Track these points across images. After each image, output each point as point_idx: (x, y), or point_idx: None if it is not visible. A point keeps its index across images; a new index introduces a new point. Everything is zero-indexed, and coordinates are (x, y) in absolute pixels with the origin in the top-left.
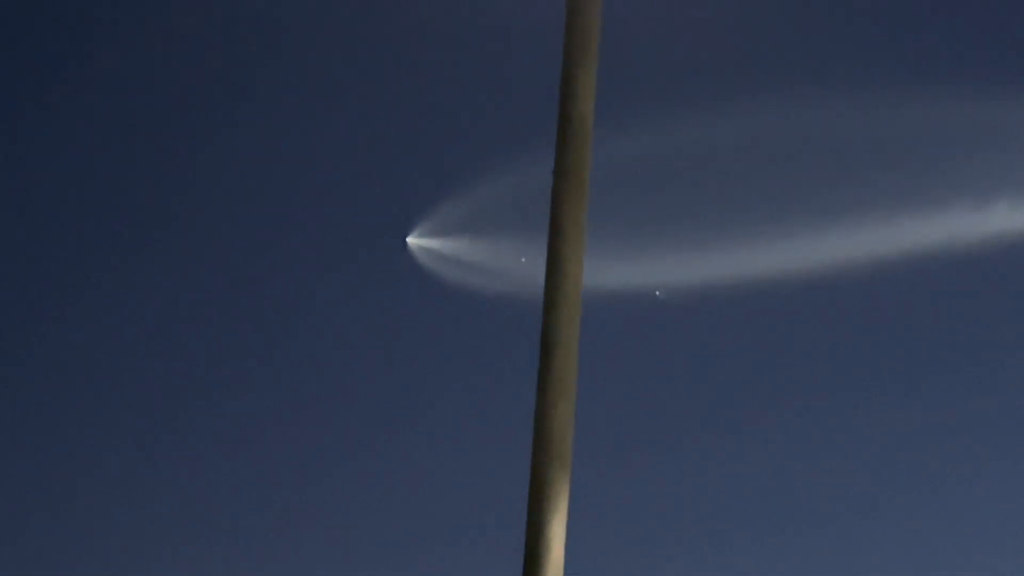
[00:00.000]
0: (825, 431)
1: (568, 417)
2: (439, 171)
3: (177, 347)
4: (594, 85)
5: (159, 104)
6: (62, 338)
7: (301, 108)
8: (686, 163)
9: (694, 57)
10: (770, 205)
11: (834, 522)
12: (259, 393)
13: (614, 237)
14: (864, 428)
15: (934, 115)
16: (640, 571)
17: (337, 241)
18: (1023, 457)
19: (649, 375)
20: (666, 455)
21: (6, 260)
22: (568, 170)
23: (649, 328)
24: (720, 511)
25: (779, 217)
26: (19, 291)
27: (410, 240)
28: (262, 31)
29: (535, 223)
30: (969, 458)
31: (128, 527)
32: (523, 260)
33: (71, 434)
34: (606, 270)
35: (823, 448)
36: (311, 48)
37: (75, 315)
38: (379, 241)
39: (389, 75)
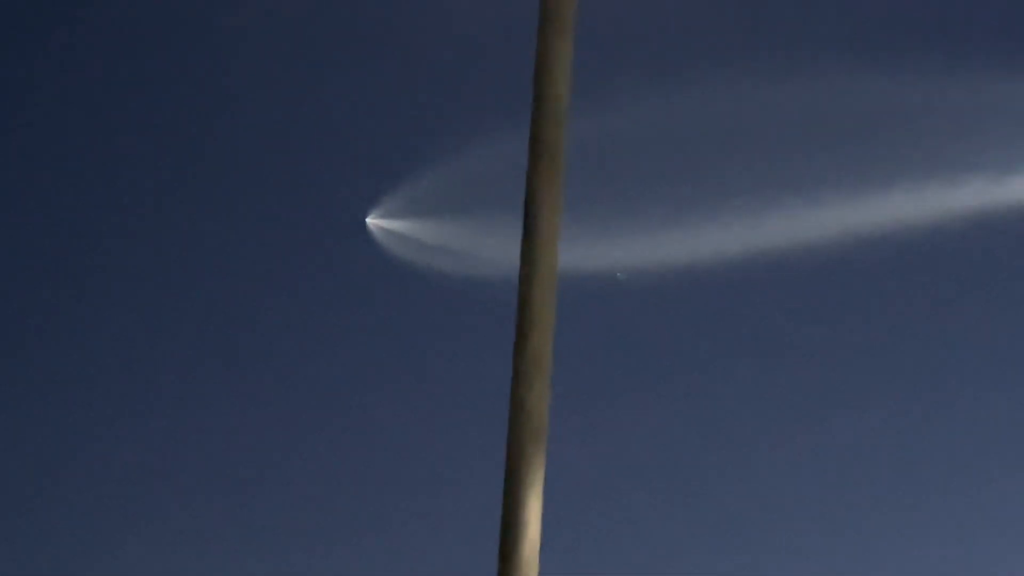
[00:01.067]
0: (802, 407)
1: (544, 396)
2: (399, 150)
3: (124, 335)
4: (570, 62)
5: (103, 88)
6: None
7: (257, 85)
8: (657, 139)
9: (665, 30)
10: (747, 180)
11: (810, 496)
12: (223, 380)
13: (582, 217)
14: (843, 406)
15: (906, 89)
16: (618, 548)
17: (294, 221)
18: None
19: (624, 354)
20: (643, 433)
21: None
22: (543, 149)
23: (621, 308)
24: (699, 489)
25: (756, 192)
26: None
27: (370, 221)
28: (215, 7)
29: (498, 204)
30: (972, 451)
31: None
32: (489, 242)
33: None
34: (575, 251)
35: (801, 428)
36: (267, 23)
37: (27, 308)
38: (338, 221)
39: (349, 52)
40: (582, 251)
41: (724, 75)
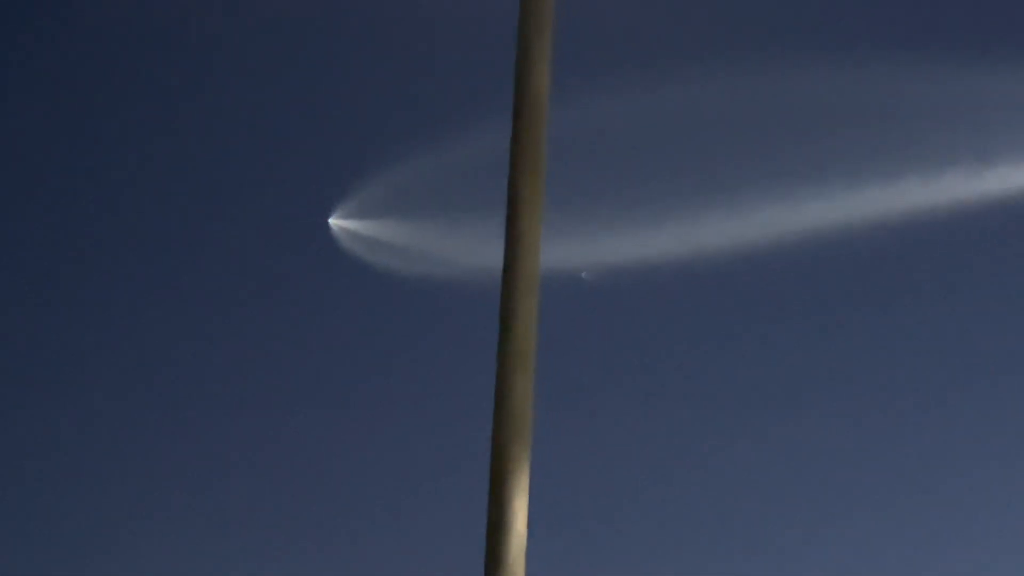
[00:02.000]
0: (791, 401)
1: (528, 392)
2: (361, 151)
3: (83, 338)
4: (550, 57)
5: (65, 86)
6: None
7: (217, 85)
8: (636, 134)
9: (648, 24)
10: (729, 173)
11: (800, 492)
12: (191, 383)
13: (567, 214)
14: (833, 399)
15: (886, 83)
16: (604, 545)
17: (258, 223)
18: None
19: (611, 351)
20: (630, 430)
21: None
22: (524, 144)
23: (607, 305)
24: (688, 485)
25: (737, 186)
26: None
27: (332, 221)
28: (175, 5)
29: (461, 204)
30: (962, 445)
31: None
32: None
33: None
34: (560, 248)
35: (791, 423)
36: (227, 22)
37: None
38: (302, 222)
39: (310, 53)
40: (566, 248)
41: (705, 71)
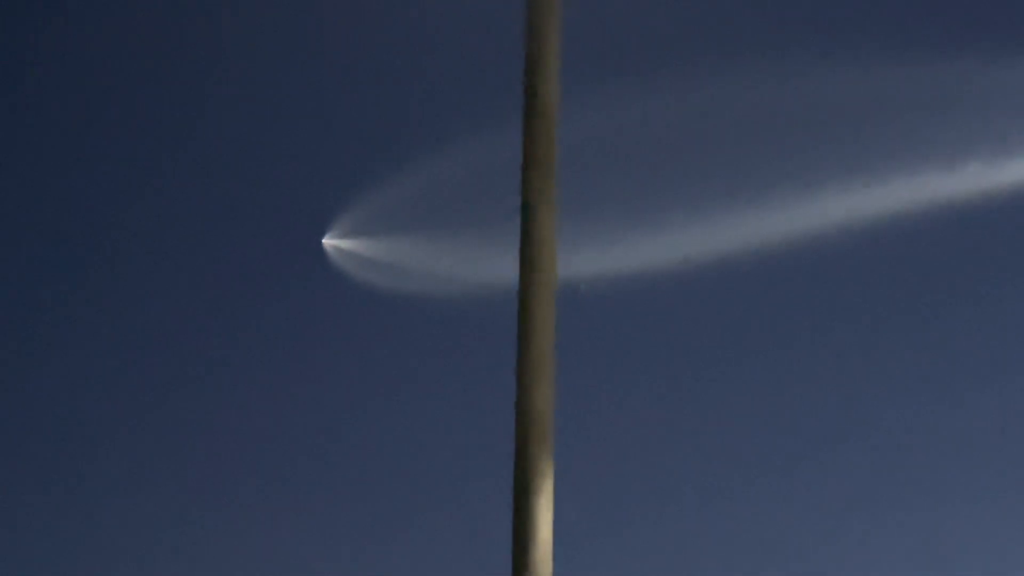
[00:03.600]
0: (813, 405)
1: (549, 399)
2: (350, 169)
3: (73, 359)
4: (559, 63)
5: (57, 97)
6: None
7: (205, 103)
8: (646, 139)
9: (653, 27)
10: (734, 177)
11: (824, 500)
12: (190, 407)
13: (577, 219)
14: (856, 402)
15: (900, 77)
16: (630, 551)
17: (249, 246)
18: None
19: (629, 357)
20: (654, 436)
21: None
22: (536, 151)
23: (624, 310)
24: (712, 489)
25: (759, 187)
26: None
27: (326, 242)
28: (166, 17)
29: (455, 219)
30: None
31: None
32: (446, 260)
33: None
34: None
35: (815, 428)
36: (216, 36)
37: None
38: (294, 244)
39: (300, 71)
40: (580, 255)
41: (719, 72)
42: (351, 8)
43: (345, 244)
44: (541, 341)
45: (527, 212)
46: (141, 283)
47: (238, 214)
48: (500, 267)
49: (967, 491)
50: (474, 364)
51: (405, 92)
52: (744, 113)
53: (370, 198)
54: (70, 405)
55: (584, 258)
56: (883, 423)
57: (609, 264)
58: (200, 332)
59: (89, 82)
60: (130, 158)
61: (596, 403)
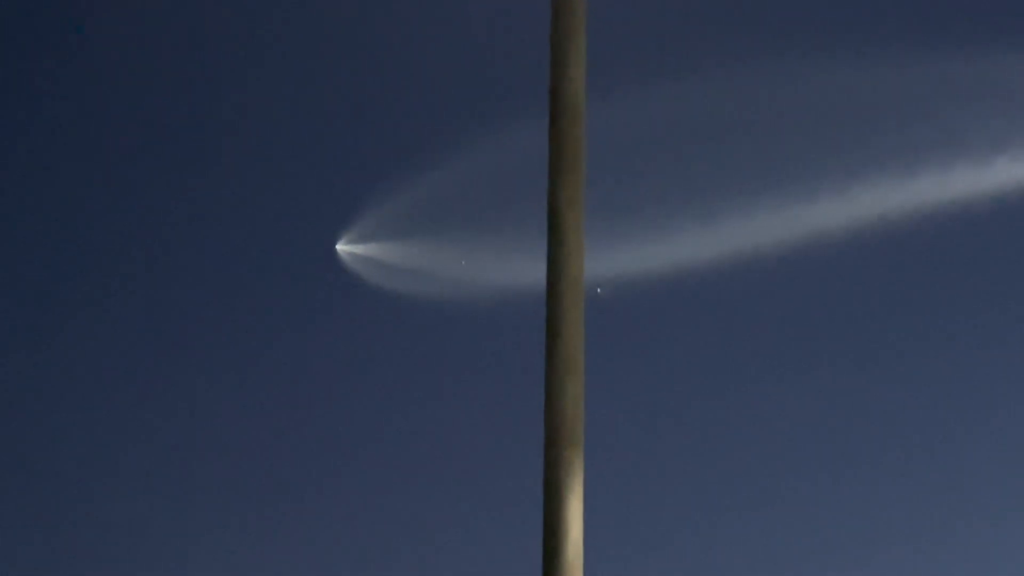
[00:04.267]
0: (841, 404)
1: (579, 397)
2: (365, 172)
3: (85, 367)
4: (584, 62)
5: (77, 101)
6: None
7: (221, 110)
8: (673, 137)
9: (656, 29)
10: (763, 175)
11: (851, 501)
12: (210, 414)
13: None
14: (887, 400)
15: (927, 73)
16: (660, 550)
17: (261, 256)
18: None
19: (659, 357)
20: (682, 433)
21: None
22: (563, 152)
23: (653, 309)
24: (741, 485)
25: (765, 188)
26: None
27: (340, 247)
28: (179, 20)
29: (468, 223)
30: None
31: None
32: (463, 262)
33: None
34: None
35: (841, 423)
36: (231, 39)
37: None
38: (307, 250)
39: (312, 77)
40: (606, 256)
41: (739, 70)
42: (370, 8)
43: (359, 249)
44: (570, 341)
45: (554, 213)
46: (153, 291)
47: (250, 220)
48: (516, 269)
49: (999, 496)
50: (496, 367)
51: (419, 94)
52: (773, 111)
53: (382, 203)
54: (84, 412)
55: (611, 258)
56: (915, 426)
57: (636, 264)
58: (213, 341)
59: (106, 88)
60: (144, 165)
61: (625, 403)
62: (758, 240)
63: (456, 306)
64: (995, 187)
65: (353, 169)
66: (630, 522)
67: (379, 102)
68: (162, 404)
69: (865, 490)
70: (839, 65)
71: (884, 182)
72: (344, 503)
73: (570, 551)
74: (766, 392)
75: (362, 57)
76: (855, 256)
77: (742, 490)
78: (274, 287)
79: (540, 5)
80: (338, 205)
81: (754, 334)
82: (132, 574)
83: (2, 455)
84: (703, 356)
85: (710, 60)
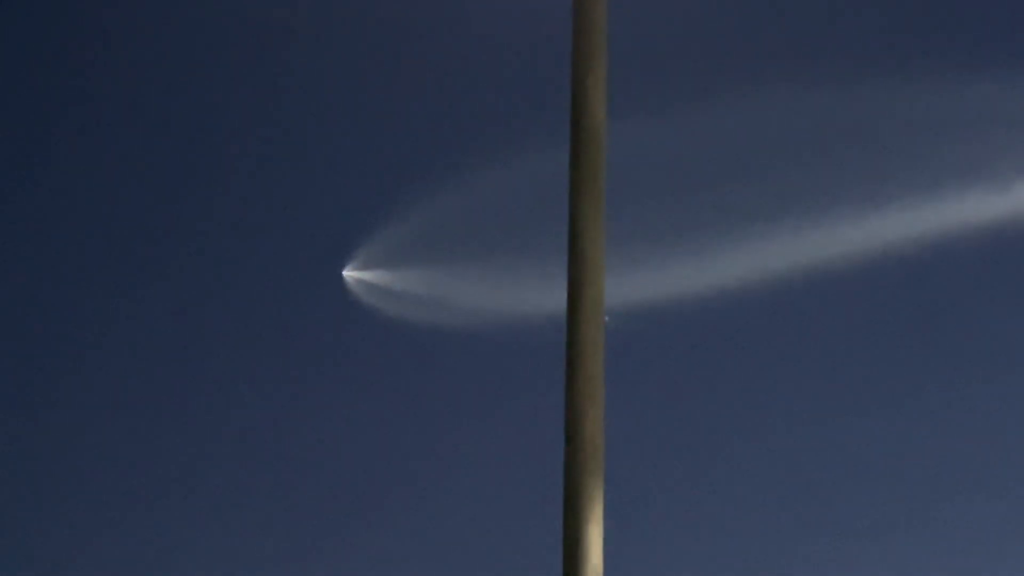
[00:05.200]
0: (860, 430)
1: (599, 420)
2: (373, 197)
3: (98, 389)
4: (605, 90)
5: (82, 121)
6: None
7: (228, 130)
8: (684, 163)
9: (689, 52)
10: (774, 200)
11: (869, 526)
12: (216, 444)
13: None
14: (903, 426)
15: (948, 98)
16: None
17: (268, 283)
18: None
19: (679, 382)
20: (703, 459)
21: None
22: (584, 176)
23: (672, 335)
24: (761, 516)
25: (787, 212)
26: None
27: (347, 273)
28: (186, 44)
29: (477, 249)
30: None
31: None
32: (470, 291)
33: None
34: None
35: (852, 450)
36: (239, 59)
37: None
38: (314, 276)
39: (318, 100)
40: (627, 279)
41: (749, 95)
42: (385, 30)
43: (366, 276)
44: (590, 365)
45: (575, 237)
46: (158, 318)
47: (255, 242)
48: (528, 296)
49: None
50: (513, 394)
51: (434, 118)
52: (794, 136)
53: (388, 229)
54: (82, 439)
55: (632, 282)
56: (937, 454)
57: (657, 288)
58: (217, 371)
59: (115, 116)
60: (149, 189)
61: (645, 428)
62: (780, 264)
63: (469, 334)
64: (1017, 212)
65: (361, 194)
66: (650, 549)
67: (392, 125)
68: (164, 434)
69: (894, 526)
70: (860, 90)
71: (905, 207)
72: (359, 533)
73: None
74: (790, 418)
75: (378, 79)
76: (876, 281)
77: (766, 517)
78: (280, 313)
79: (561, 28)
80: (345, 230)
81: (777, 359)
82: None
83: (1, 456)
84: (725, 380)
85: (731, 85)
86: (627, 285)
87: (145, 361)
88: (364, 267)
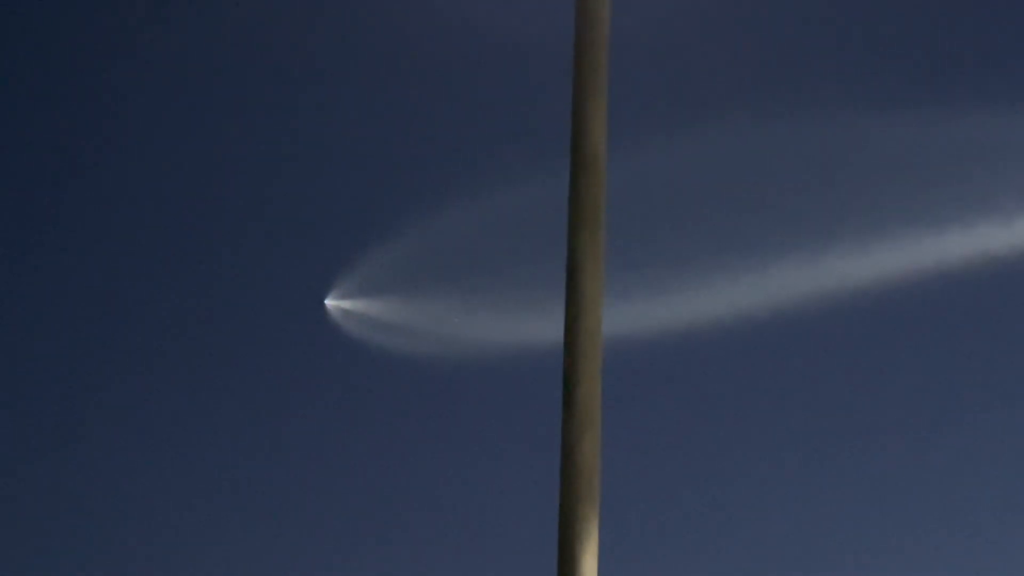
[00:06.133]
0: (866, 463)
1: (595, 452)
2: (356, 226)
3: (84, 423)
4: (605, 119)
5: (61, 153)
6: None
7: (209, 166)
8: (692, 190)
9: (686, 78)
10: (774, 231)
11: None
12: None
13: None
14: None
15: (954, 131)
16: None
17: (247, 315)
18: None
19: (676, 412)
20: (698, 487)
21: None
22: (582, 205)
23: (671, 364)
24: (757, 545)
25: (785, 243)
26: None
27: (329, 303)
28: (167, 77)
29: (462, 278)
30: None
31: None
32: (456, 321)
33: None
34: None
35: (848, 481)
36: (225, 88)
37: None
38: (296, 305)
39: (299, 131)
40: (625, 310)
41: (753, 124)
42: (371, 57)
43: (348, 305)
44: (587, 394)
45: (573, 266)
46: (141, 352)
47: (235, 273)
48: (511, 327)
49: None
50: (506, 426)
51: (427, 145)
52: (797, 167)
53: (372, 257)
54: (72, 482)
55: (629, 312)
56: (941, 493)
57: (654, 318)
58: (197, 401)
59: (96, 156)
60: (131, 217)
61: (641, 458)
62: (780, 296)
63: (456, 364)
64: (1021, 246)
65: (343, 223)
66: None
67: (383, 153)
68: (146, 464)
69: (894, 553)
70: (862, 122)
71: (909, 240)
72: (348, 564)
73: None
74: (786, 451)
75: (369, 106)
76: (879, 314)
77: (762, 546)
78: (263, 341)
79: (561, 56)
80: (325, 262)
81: (775, 391)
82: None
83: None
84: (722, 411)
85: (731, 116)
86: (625, 315)
87: (126, 392)
88: (346, 296)
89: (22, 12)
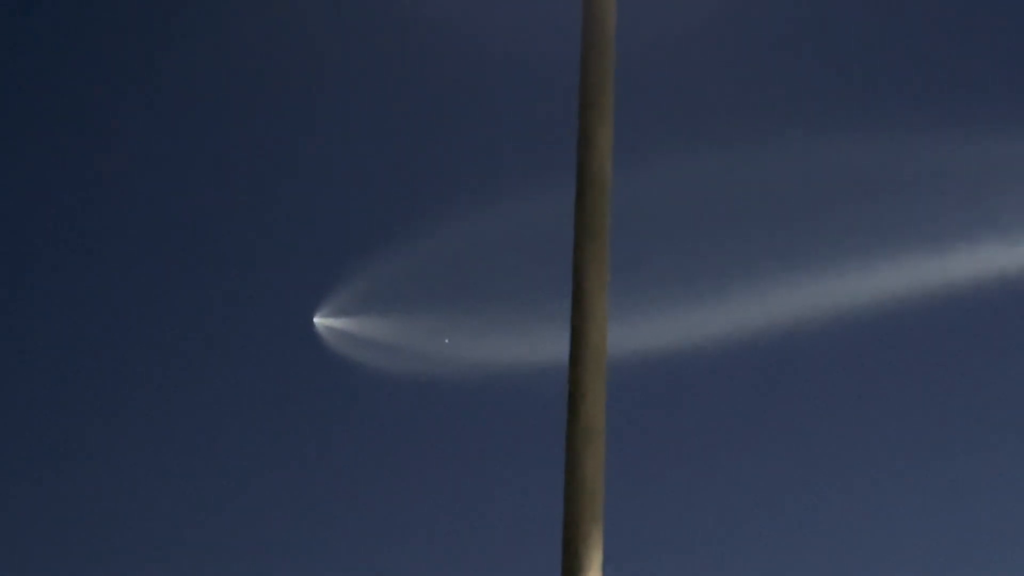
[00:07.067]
0: (869, 482)
1: (599, 467)
2: (344, 243)
3: (78, 446)
4: (611, 135)
5: (54, 168)
6: None
7: (202, 184)
8: (696, 208)
9: (694, 99)
10: (779, 250)
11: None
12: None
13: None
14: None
15: (959, 151)
16: None
17: (236, 331)
18: None
19: (679, 430)
20: (702, 505)
21: None
22: (588, 221)
23: (673, 382)
24: (760, 562)
25: (790, 263)
26: None
27: (317, 320)
28: (151, 84)
29: (451, 296)
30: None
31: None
32: (447, 341)
33: None
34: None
35: (844, 509)
36: (221, 103)
37: None
38: (284, 323)
39: (295, 141)
40: (628, 327)
41: (752, 143)
42: (372, 71)
43: (337, 323)
44: (591, 410)
45: (579, 282)
46: (129, 368)
47: (224, 290)
48: (499, 347)
49: None
50: (508, 445)
51: (429, 164)
52: (800, 186)
53: (361, 274)
54: (63, 506)
55: (632, 329)
56: (947, 512)
57: (658, 334)
58: (185, 418)
59: (87, 167)
60: (122, 232)
61: (644, 476)
62: (785, 315)
63: (459, 381)
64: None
65: (330, 240)
66: None
67: (387, 170)
68: (133, 480)
69: (899, 563)
70: (867, 143)
71: (912, 259)
72: None
73: None
74: (791, 466)
75: (367, 120)
76: (881, 333)
77: (765, 563)
78: (251, 359)
79: (567, 73)
80: (315, 279)
81: (778, 409)
82: None
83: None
84: (726, 429)
85: (738, 136)
86: (630, 332)
87: (113, 407)
88: (335, 314)
89: (22, 12)
